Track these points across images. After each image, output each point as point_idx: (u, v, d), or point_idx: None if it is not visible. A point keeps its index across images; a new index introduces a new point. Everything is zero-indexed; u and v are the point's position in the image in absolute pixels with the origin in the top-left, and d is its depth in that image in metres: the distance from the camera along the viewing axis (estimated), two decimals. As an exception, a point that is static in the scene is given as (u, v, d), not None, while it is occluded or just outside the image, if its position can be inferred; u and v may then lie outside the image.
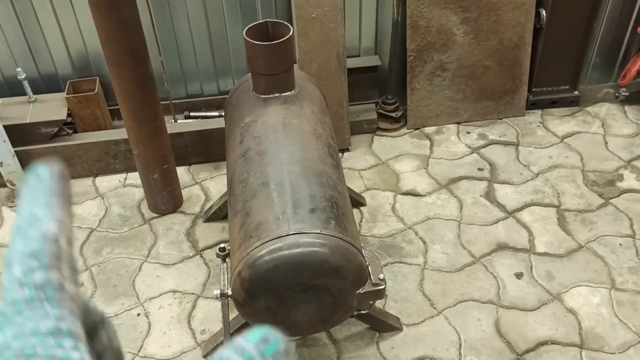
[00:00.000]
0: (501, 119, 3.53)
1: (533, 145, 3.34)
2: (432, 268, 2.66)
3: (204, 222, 2.91)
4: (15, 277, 0.44)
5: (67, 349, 0.41)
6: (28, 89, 3.10)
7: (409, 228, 2.85)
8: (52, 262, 0.44)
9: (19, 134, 2.98)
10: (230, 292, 1.92)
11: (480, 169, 3.18)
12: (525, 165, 3.20)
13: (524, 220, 2.88)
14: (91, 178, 3.20)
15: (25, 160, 3.04)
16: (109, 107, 3.27)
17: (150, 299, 2.57)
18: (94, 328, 0.51)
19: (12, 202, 3.06)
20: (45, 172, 0.50)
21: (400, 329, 2.41)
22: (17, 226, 0.48)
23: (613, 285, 2.56)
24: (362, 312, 2.19)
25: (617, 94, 3.60)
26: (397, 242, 2.78)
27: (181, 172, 3.12)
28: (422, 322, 2.45)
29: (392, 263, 2.68)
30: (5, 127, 2.86)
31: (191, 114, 3.39)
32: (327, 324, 2.09)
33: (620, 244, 2.75)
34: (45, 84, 3.27)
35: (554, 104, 3.59)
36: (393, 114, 3.43)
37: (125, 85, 2.52)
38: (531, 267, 2.65)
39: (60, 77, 3.26)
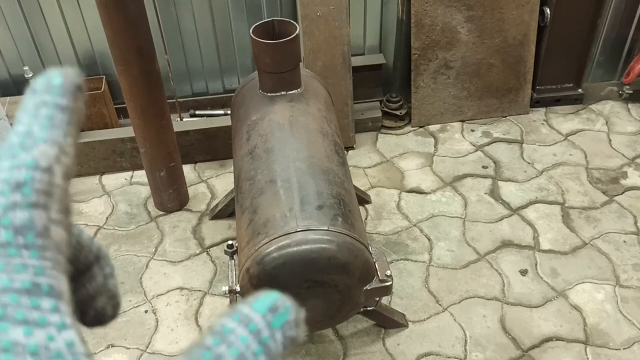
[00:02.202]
0: (505, 116, 3.54)
1: (537, 143, 3.35)
2: (437, 265, 2.67)
3: (210, 219, 2.93)
4: None
5: (44, 311, 0.33)
6: (35, 88, 3.11)
7: (414, 225, 2.86)
8: (39, 199, 0.35)
9: (26, 132, 2.99)
10: (238, 289, 1.94)
11: (484, 167, 3.20)
12: (529, 163, 3.21)
13: (528, 217, 2.89)
14: (98, 176, 3.21)
15: (32, 159, 3.06)
16: (115, 106, 3.29)
17: (158, 296, 2.59)
18: (88, 267, 0.42)
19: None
20: (57, 80, 0.38)
21: (406, 326, 2.43)
22: (8, 145, 0.37)
23: (617, 282, 2.58)
24: (369, 308, 2.20)
25: (621, 92, 3.60)
26: (402, 239, 2.80)
27: (187, 170, 3.14)
28: (427, 318, 2.47)
29: (398, 260, 2.70)
30: (12, 125, 2.88)
31: (197, 112, 3.41)
32: (334, 320, 2.11)
33: (624, 241, 2.76)
34: (52, 83, 3.28)
35: (558, 101, 3.60)
36: (397, 112, 3.44)
37: (131, 83, 2.53)
38: (536, 264, 2.66)
39: (66, 75, 3.27)
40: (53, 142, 0.37)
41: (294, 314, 0.40)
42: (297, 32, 2.24)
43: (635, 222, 2.84)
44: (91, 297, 0.43)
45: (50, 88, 0.38)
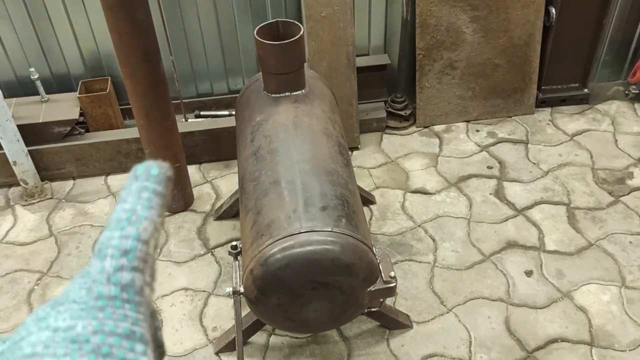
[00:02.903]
0: (510, 117, 3.53)
1: (542, 143, 3.34)
2: (441, 266, 2.67)
3: (215, 220, 2.94)
4: (106, 270, 0.45)
5: (137, 353, 0.43)
6: (41, 89, 3.13)
7: (419, 226, 2.86)
8: (139, 265, 0.46)
9: (32, 134, 3.02)
10: (242, 290, 1.94)
11: (489, 167, 3.19)
12: (534, 163, 3.20)
13: (533, 218, 2.88)
14: (103, 177, 3.23)
15: (37, 160, 3.08)
16: (121, 107, 3.30)
17: (162, 296, 2.60)
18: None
19: (26, 200, 3.09)
20: (155, 171, 0.50)
21: (411, 327, 2.43)
22: (117, 218, 0.48)
23: (623, 283, 2.57)
24: (373, 309, 2.20)
25: (627, 92, 3.59)
26: (406, 240, 2.80)
27: (192, 170, 3.15)
28: (432, 319, 2.46)
29: (402, 261, 2.69)
30: (18, 126, 2.89)
31: (201, 113, 3.41)
32: (338, 321, 2.11)
33: (630, 242, 2.74)
34: (58, 84, 3.30)
35: (563, 101, 3.59)
36: (402, 113, 3.44)
37: (137, 85, 2.54)
38: (541, 265, 2.66)
39: (72, 77, 3.29)
40: (151, 220, 0.49)
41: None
42: (302, 33, 2.24)
43: (642, 223, 2.83)
44: None
45: (150, 177, 0.50)
